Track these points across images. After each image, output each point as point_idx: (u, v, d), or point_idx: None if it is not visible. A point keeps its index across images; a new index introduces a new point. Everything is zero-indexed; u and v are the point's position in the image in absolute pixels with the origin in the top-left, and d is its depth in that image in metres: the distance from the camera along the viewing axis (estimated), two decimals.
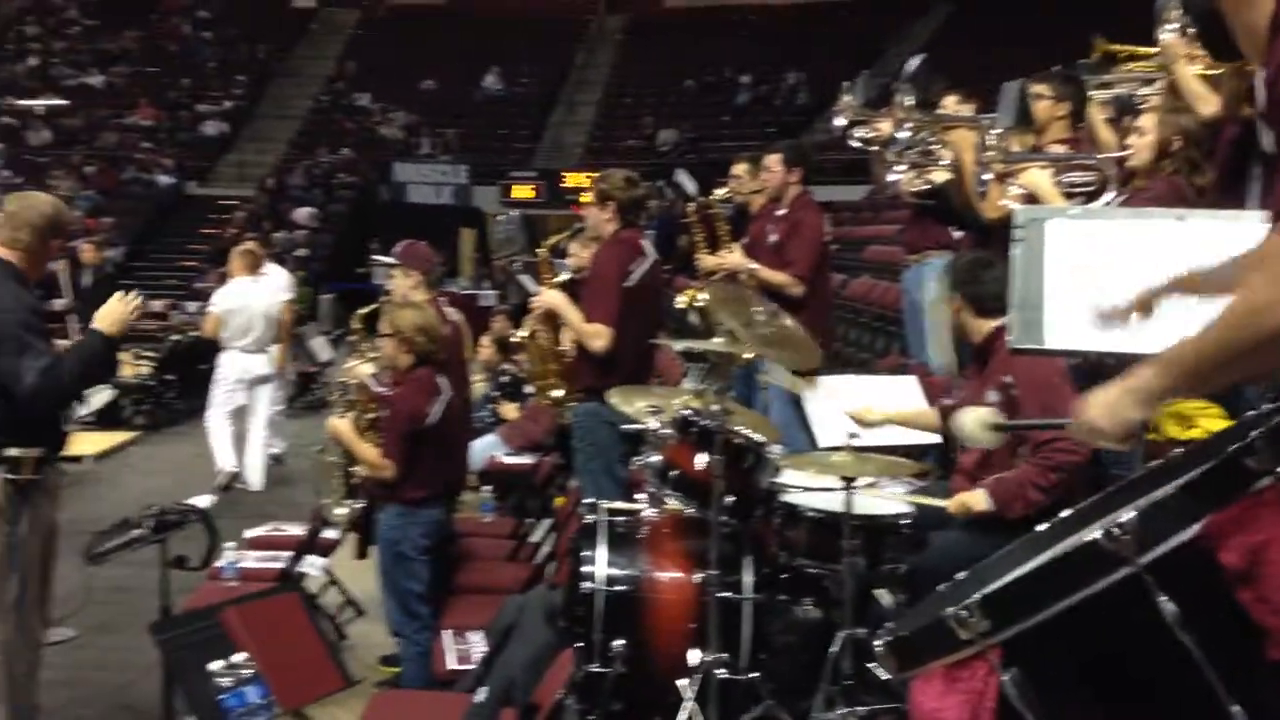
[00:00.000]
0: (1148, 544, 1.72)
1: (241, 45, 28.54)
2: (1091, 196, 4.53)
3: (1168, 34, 4.89)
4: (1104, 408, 1.94)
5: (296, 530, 5.89)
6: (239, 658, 3.63)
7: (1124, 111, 5.52)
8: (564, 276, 5.66)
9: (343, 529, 5.60)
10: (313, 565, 5.57)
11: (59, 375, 3.80)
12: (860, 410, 3.92)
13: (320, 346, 13.03)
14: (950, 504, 3.78)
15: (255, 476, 9.20)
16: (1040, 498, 3.57)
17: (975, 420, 2.51)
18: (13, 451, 3.85)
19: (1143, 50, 5.54)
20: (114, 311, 4.11)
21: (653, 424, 4.11)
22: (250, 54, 28.29)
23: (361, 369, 5.34)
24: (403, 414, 4.71)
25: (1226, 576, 1.61)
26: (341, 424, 4.93)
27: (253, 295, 9.12)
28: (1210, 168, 4.20)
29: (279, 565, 5.36)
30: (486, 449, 8.07)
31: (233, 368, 9.05)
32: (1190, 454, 2.07)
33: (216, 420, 9.10)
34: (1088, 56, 5.96)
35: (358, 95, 26.89)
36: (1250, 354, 1.70)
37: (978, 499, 3.69)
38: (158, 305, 15.79)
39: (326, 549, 5.79)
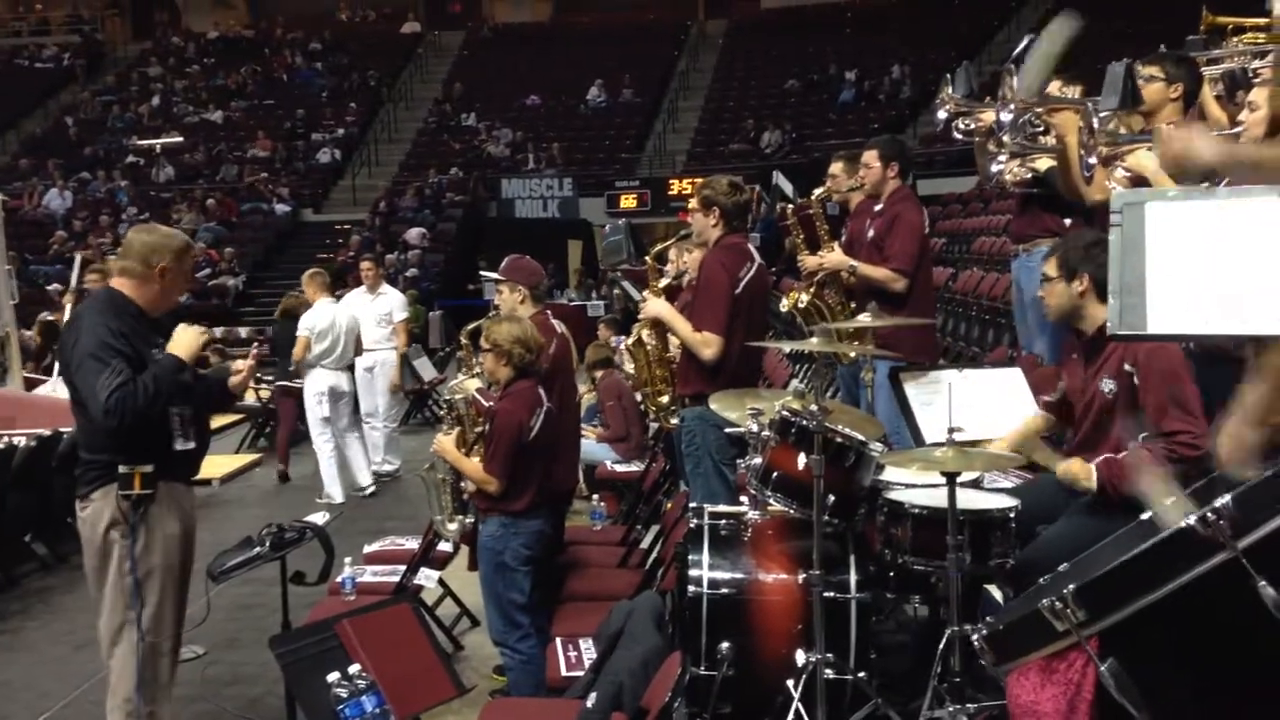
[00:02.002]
0: (1244, 529, 1.67)
1: (352, 73, 29.31)
2: (1205, 177, 4.38)
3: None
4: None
5: (412, 544, 6.02)
6: (354, 669, 3.71)
7: (1235, 88, 5.34)
8: (664, 282, 5.68)
9: (456, 542, 5.70)
10: (428, 578, 5.68)
11: (133, 394, 3.94)
12: (955, 428, 3.83)
13: (424, 366, 13.27)
14: (1058, 469, 3.67)
15: (364, 478, 9.63)
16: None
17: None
18: (123, 468, 4.02)
19: (1250, 22, 5.36)
20: (186, 337, 4.24)
21: (754, 427, 4.10)
22: (360, 81, 29.02)
23: (469, 384, 5.42)
24: (504, 427, 4.76)
25: None
26: (446, 440, 5.02)
27: (339, 315, 9.43)
28: None
29: (395, 578, 5.47)
30: (596, 456, 8.15)
31: (320, 385, 9.35)
32: None
33: (320, 440, 9.41)
34: (1195, 32, 5.79)
35: (464, 115, 27.39)
36: None
37: (1086, 472, 3.59)
38: None
39: (441, 562, 5.90)
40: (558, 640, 4.63)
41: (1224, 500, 1.71)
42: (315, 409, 9.40)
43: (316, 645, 3.87)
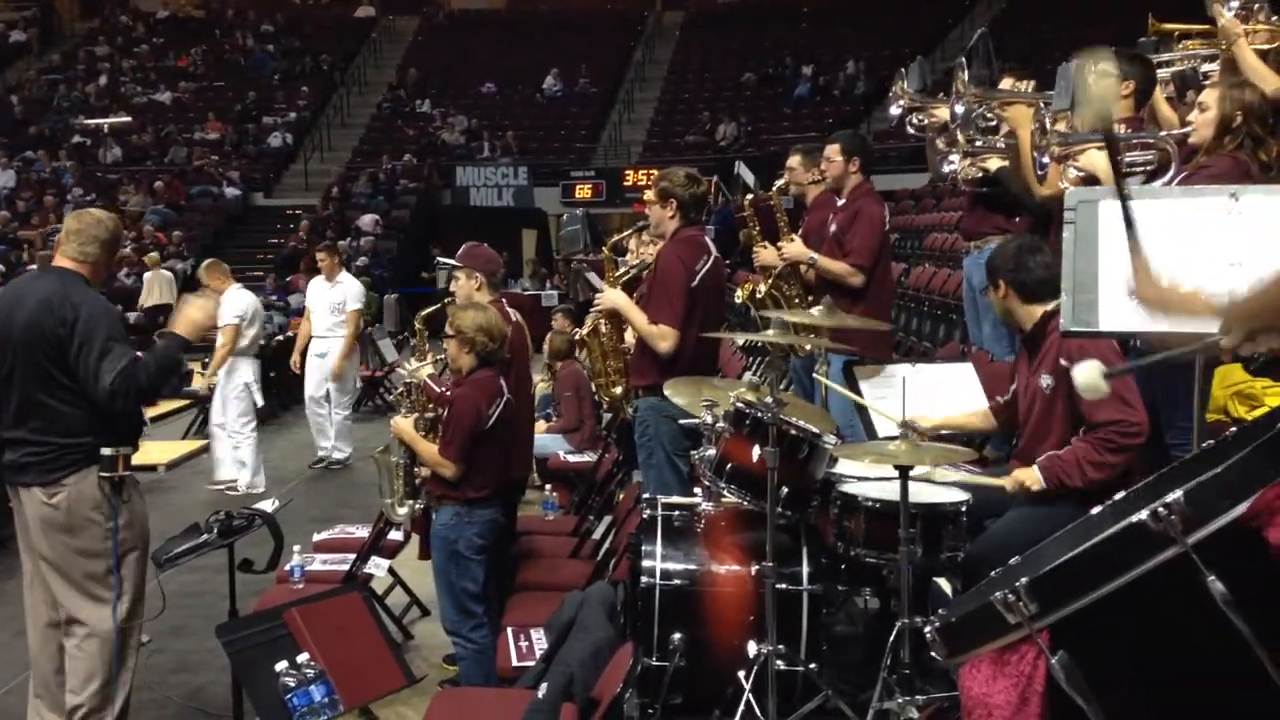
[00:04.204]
0: (1194, 524, 1.69)
1: (304, 57, 28.98)
2: (1153, 175, 4.44)
3: (1226, 14, 4.79)
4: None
5: (362, 533, 5.97)
6: (303, 658, 3.69)
7: (1185, 88, 5.42)
8: (623, 272, 5.67)
9: (407, 530, 5.66)
10: (378, 566, 5.64)
11: (136, 376, 3.94)
12: (912, 418, 3.88)
13: (387, 348, 13.22)
14: (1005, 481, 3.74)
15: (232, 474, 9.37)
16: (1096, 476, 3.53)
17: (1093, 370, 2.40)
18: (107, 450, 4.00)
19: (1196, 28, 5.44)
20: (195, 317, 4.26)
21: (708, 418, 4.10)
22: (313, 65, 28.70)
23: (423, 370, 5.39)
24: (463, 414, 4.74)
25: (1274, 554, 1.58)
26: (404, 423, 4.99)
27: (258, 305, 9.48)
28: (1274, 143, 4.10)
29: (345, 567, 5.43)
30: (548, 447, 8.13)
31: (248, 374, 9.26)
32: (1241, 433, 2.03)
33: (247, 430, 9.31)
34: (1144, 35, 5.87)
35: (419, 101, 27.18)
36: None
37: (1032, 476, 3.66)
38: None
39: (391, 550, 5.86)
40: (509, 630, 4.62)
41: (1176, 495, 1.72)
42: (244, 399, 9.27)
43: (265, 634, 3.84)
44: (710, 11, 30.34)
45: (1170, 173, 4.28)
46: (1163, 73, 5.39)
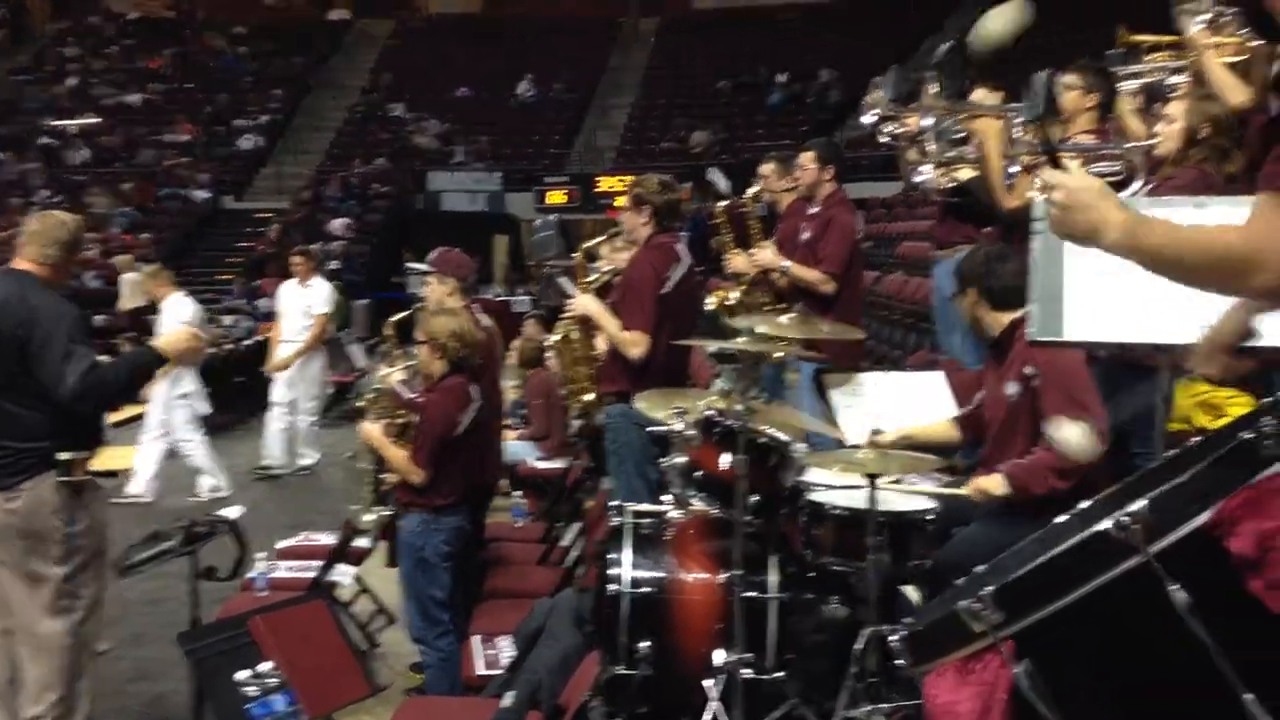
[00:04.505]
0: (1157, 533, 1.69)
1: (277, 59, 28.83)
2: (1119, 186, 4.46)
3: (1194, 26, 4.82)
4: (1080, 195, 1.97)
5: (328, 540, 5.92)
6: (265, 666, 3.64)
7: (1153, 99, 5.45)
8: (595, 278, 5.65)
9: (374, 537, 5.62)
10: (344, 574, 5.59)
11: (99, 381, 3.90)
12: (874, 435, 3.89)
13: (357, 353, 13.13)
14: (969, 489, 3.75)
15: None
16: (1060, 484, 3.54)
17: (1081, 433, 2.38)
18: (64, 455, 3.95)
19: (1166, 39, 5.47)
20: (180, 342, 4.24)
21: (678, 426, 4.09)
22: (285, 68, 28.55)
23: (393, 376, 5.36)
24: (434, 421, 4.72)
25: (1236, 564, 1.58)
26: (373, 429, 4.96)
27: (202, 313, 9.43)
28: (1240, 155, 4.13)
29: (310, 574, 5.38)
30: (518, 454, 8.10)
31: (190, 383, 9.17)
32: (1205, 442, 2.03)
33: (198, 436, 9.20)
34: (1114, 47, 5.90)
35: (392, 105, 27.08)
36: (1193, 278, 1.94)
37: (995, 483, 3.68)
38: None
39: (358, 558, 5.80)
40: (475, 639, 4.60)
41: (1140, 504, 1.72)
42: (186, 408, 9.15)
43: (227, 642, 3.79)
44: (686, 18, 30.40)
45: (1136, 184, 4.31)
46: (1132, 84, 5.42)
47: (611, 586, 3.78)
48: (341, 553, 5.57)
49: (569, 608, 4.20)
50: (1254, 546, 1.57)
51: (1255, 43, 4.66)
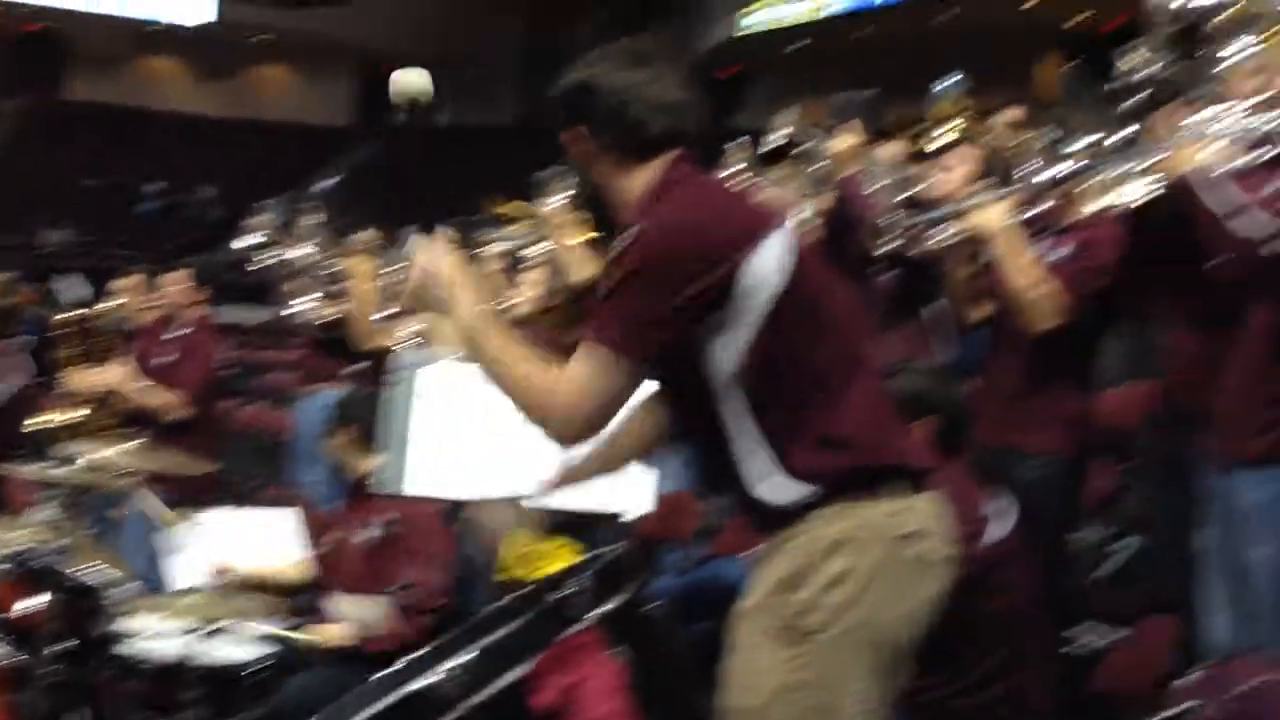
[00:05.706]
0: (477, 686, 1.77)
1: None
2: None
3: (549, 205, 5.28)
4: (436, 275, 2.10)
5: None
6: None
7: (518, 262, 5.87)
8: None
9: None
10: None
11: None
12: (223, 565, 3.74)
13: None
14: (315, 635, 3.69)
15: None
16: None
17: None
18: None
19: (533, 211, 5.95)
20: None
21: None
22: None
23: None
24: None
25: (539, 717, 1.70)
26: None
27: None
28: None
29: None
30: None
31: None
32: (528, 597, 2.18)
33: None
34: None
35: None
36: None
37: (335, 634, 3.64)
38: None
39: None
40: None
41: (462, 658, 1.80)
42: None
43: None
44: (55, 105, 28.07)
45: None
46: (497, 247, 5.76)
47: None
48: None
49: None
50: (558, 699, 1.70)
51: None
